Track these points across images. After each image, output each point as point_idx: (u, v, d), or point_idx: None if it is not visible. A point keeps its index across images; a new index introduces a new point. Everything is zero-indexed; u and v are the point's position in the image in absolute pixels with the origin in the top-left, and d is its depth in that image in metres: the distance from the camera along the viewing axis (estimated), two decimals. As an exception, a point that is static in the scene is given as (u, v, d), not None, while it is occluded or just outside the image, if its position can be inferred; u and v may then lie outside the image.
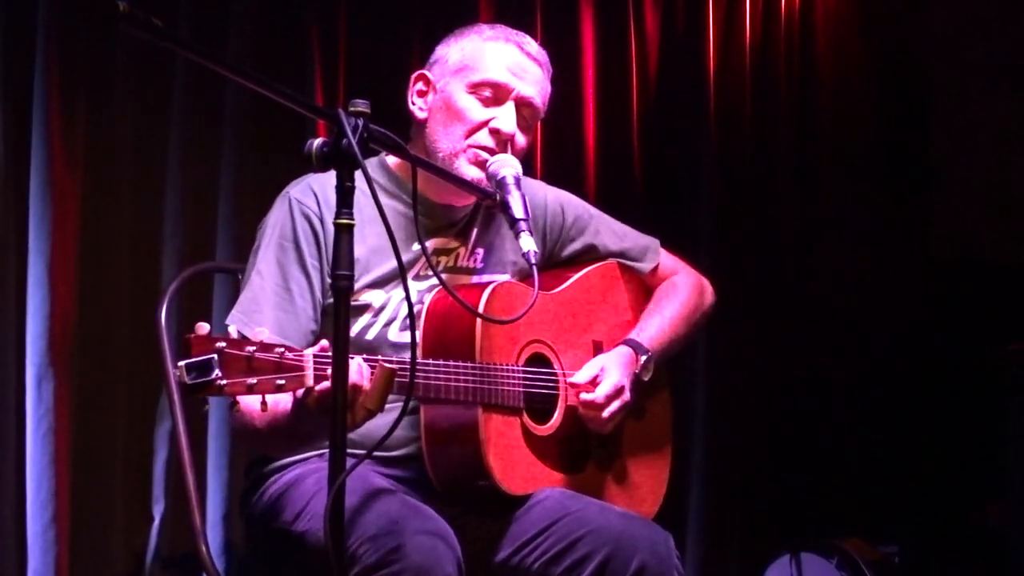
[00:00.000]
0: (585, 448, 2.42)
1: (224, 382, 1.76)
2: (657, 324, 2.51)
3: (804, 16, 4.27)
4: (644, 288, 2.62)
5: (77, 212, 3.03)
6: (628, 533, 2.20)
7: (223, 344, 1.76)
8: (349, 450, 1.78)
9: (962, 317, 4.27)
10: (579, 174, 3.79)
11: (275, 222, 2.28)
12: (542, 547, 2.22)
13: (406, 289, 1.92)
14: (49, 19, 2.99)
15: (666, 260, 2.64)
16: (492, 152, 2.29)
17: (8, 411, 2.93)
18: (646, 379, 2.44)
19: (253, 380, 1.79)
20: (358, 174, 1.82)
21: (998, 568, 3.63)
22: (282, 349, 1.83)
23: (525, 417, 2.30)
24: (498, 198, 2.24)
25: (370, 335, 2.27)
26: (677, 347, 2.56)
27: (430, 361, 2.15)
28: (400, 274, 2.02)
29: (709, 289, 2.66)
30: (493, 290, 2.27)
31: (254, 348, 1.80)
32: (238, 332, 1.85)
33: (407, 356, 1.89)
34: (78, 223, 3.04)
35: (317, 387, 1.86)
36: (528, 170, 2.39)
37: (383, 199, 2.10)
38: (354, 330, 2.23)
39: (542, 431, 2.33)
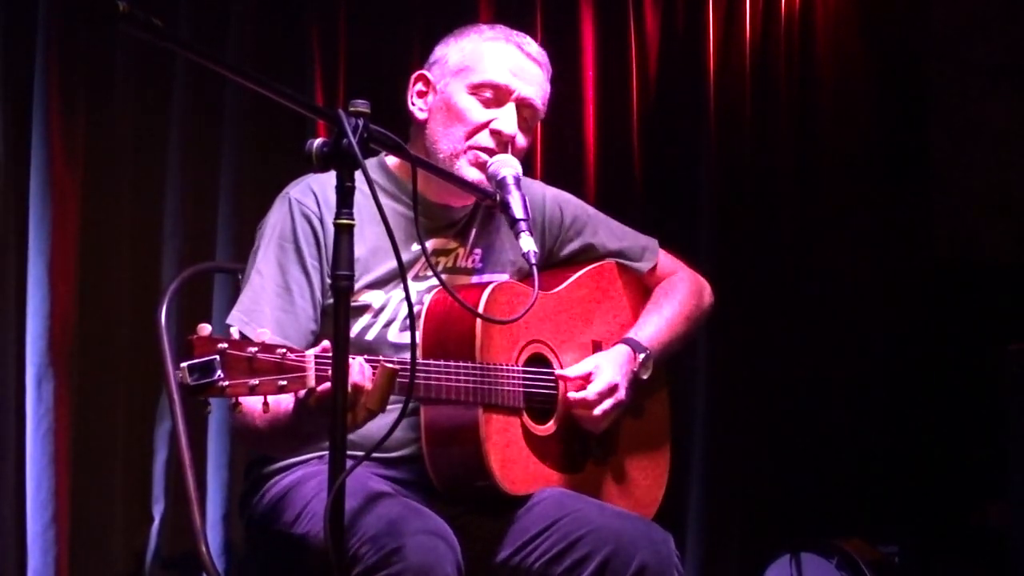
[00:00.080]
0: (585, 448, 2.42)
1: (226, 383, 1.75)
2: (655, 323, 2.51)
3: (804, 16, 4.27)
4: (643, 288, 2.62)
5: (77, 212, 3.04)
6: (628, 533, 2.19)
7: (225, 345, 1.76)
8: (349, 451, 1.78)
9: (962, 317, 4.27)
10: (579, 174, 3.79)
11: (275, 222, 2.28)
12: (542, 547, 2.21)
13: (406, 289, 1.92)
14: (49, 19, 2.99)
15: (664, 260, 2.64)
16: (492, 153, 2.29)
17: (8, 411, 2.93)
18: (645, 377, 2.44)
19: (255, 381, 1.78)
20: (358, 174, 1.82)
21: (998, 568, 3.62)
22: (284, 350, 1.83)
23: (525, 417, 2.30)
24: (498, 198, 2.24)
25: (370, 335, 2.27)
26: (676, 346, 2.56)
27: (430, 361, 2.15)
28: (400, 274, 2.02)
29: (707, 289, 2.66)
30: (493, 290, 2.27)
31: (256, 349, 1.79)
32: (239, 333, 1.85)
33: (407, 356, 1.89)
34: (78, 223, 3.04)
35: (319, 388, 1.86)
36: (528, 170, 2.39)
37: (383, 199, 2.10)
38: (354, 331, 2.23)
39: (542, 431, 2.33)
